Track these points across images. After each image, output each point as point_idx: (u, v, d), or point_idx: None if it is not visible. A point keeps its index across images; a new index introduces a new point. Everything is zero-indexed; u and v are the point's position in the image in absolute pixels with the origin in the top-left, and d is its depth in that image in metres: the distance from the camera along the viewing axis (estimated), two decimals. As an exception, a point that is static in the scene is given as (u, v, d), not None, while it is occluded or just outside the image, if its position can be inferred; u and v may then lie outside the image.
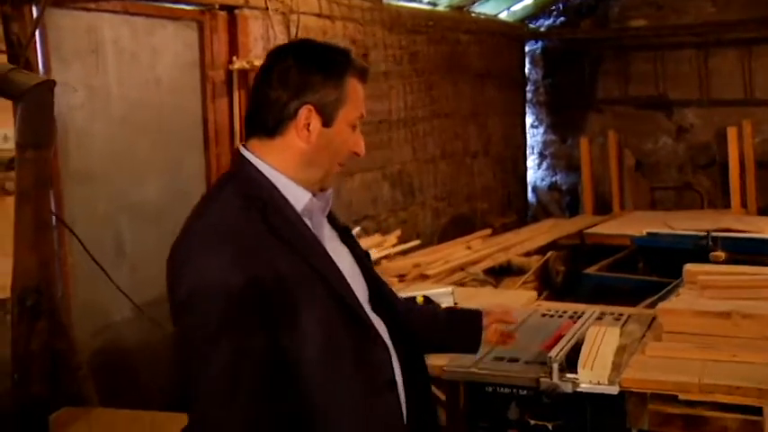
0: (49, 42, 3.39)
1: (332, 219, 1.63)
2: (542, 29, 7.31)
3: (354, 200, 5.23)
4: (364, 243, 4.19)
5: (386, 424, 1.51)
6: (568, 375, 2.03)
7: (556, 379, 2.00)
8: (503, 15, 7.04)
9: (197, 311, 1.37)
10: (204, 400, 1.37)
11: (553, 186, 7.43)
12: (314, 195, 1.52)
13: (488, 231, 5.15)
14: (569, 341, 2.20)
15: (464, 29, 6.30)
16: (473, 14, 6.53)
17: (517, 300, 2.91)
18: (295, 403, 1.40)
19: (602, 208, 6.80)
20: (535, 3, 7.09)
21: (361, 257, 1.65)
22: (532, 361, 2.16)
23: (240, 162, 1.52)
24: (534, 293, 3.02)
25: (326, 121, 1.49)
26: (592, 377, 1.99)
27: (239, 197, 1.45)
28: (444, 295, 2.74)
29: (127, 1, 3.67)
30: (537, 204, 7.49)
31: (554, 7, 7.22)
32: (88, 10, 3.55)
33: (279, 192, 1.48)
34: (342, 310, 1.47)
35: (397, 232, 4.49)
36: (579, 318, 2.54)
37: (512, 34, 7.09)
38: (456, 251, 4.48)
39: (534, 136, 7.46)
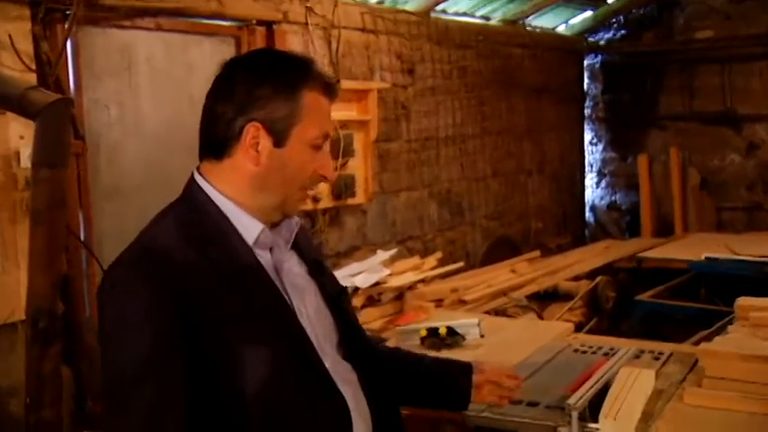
0: (82, 60, 3.38)
1: (301, 250, 1.45)
2: (602, 42, 7.03)
3: (399, 219, 5.09)
4: (402, 265, 4.03)
5: None
6: (590, 425, 1.81)
7: (575, 430, 1.79)
8: (560, 29, 6.81)
9: (117, 349, 1.21)
10: None
11: (612, 206, 7.11)
12: (272, 226, 1.36)
13: (536, 254, 4.91)
14: (596, 384, 2.00)
15: (518, 43, 6.10)
16: (528, 28, 6.33)
17: (551, 332, 2.70)
18: None
19: (665, 229, 6.46)
20: (595, 16, 6.84)
21: (332, 296, 1.46)
22: (554, 406, 1.95)
23: (189, 187, 1.37)
24: (570, 325, 2.79)
25: (278, 141, 1.31)
26: (614, 429, 1.77)
27: (179, 226, 1.30)
28: (470, 326, 2.56)
29: (161, 18, 3.64)
30: (595, 224, 7.19)
31: (614, 20, 6.94)
32: (122, 27, 3.53)
33: (228, 221, 1.32)
34: (292, 355, 1.29)
35: (438, 254, 4.31)
36: (615, 355, 2.32)
37: (569, 48, 6.84)
38: (499, 275, 4.28)
39: (593, 153, 7.17)
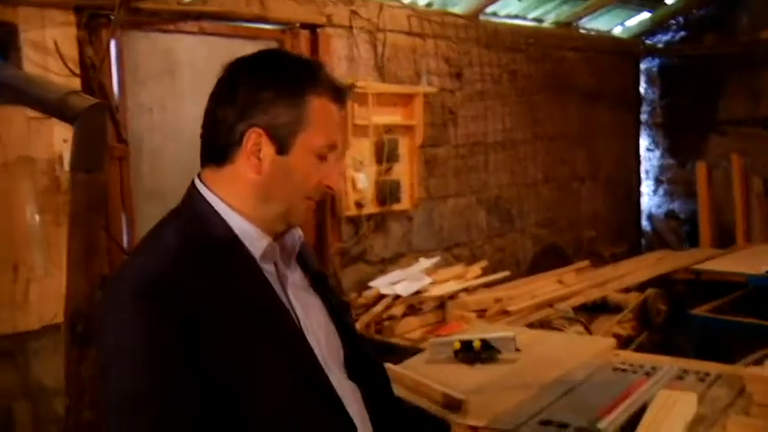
0: (126, 65, 3.41)
1: (304, 262, 1.39)
2: (660, 45, 6.80)
3: (446, 226, 5.01)
4: (445, 274, 3.95)
5: None
6: (622, 452, 1.71)
7: (605, 456, 1.69)
8: (616, 31, 6.62)
9: (117, 375, 1.14)
10: None
11: (670, 214, 6.87)
12: (277, 237, 1.30)
13: (586, 263, 4.76)
14: (631, 407, 1.89)
15: (571, 46, 5.95)
16: (582, 31, 6.17)
17: (592, 348, 2.58)
18: None
19: (726, 239, 6.19)
20: (652, 17, 6.62)
21: (337, 310, 1.40)
22: (584, 429, 1.85)
23: (191, 195, 1.28)
24: (613, 341, 2.67)
25: (281, 148, 1.24)
26: (649, 457, 1.66)
27: (181, 238, 1.22)
28: (506, 340, 2.47)
29: (204, 22, 3.65)
30: (652, 233, 6.95)
31: (674, 21, 6.70)
32: (165, 31, 3.55)
33: (234, 234, 1.25)
34: (298, 376, 1.22)
35: (483, 263, 4.22)
36: (656, 374, 2.20)
37: (625, 51, 6.64)
38: (545, 285, 4.15)
39: (650, 160, 6.94)
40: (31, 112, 2.92)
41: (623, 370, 2.30)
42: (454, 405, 2.07)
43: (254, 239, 1.26)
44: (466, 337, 2.51)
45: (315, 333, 1.30)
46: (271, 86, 1.23)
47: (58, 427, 2.93)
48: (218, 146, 1.26)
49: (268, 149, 1.24)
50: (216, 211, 1.26)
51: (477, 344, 2.44)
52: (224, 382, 1.15)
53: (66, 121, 2.69)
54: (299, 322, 1.28)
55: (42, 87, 2.71)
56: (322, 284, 1.40)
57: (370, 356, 1.43)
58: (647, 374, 2.23)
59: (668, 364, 2.35)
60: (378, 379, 1.42)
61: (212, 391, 1.14)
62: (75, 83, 3.12)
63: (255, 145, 1.23)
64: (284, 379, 1.20)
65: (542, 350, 2.57)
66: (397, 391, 2.27)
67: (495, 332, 2.58)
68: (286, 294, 1.29)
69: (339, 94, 1.28)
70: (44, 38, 3.04)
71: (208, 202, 1.26)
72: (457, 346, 2.46)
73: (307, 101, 1.24)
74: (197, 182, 1.29)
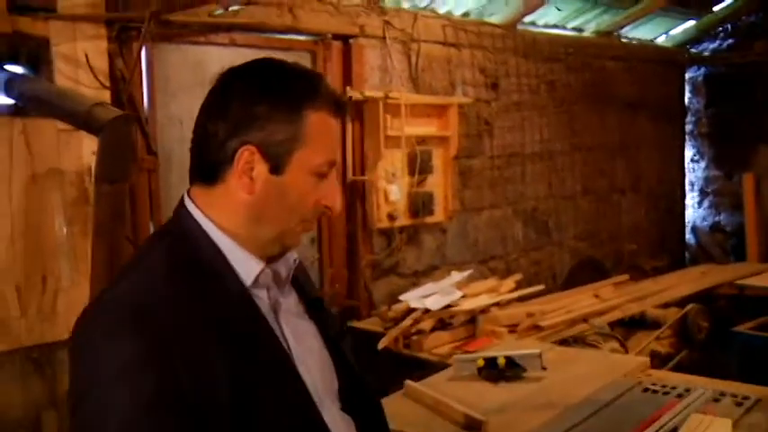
0: (156, 77, 3.43)
1: (299, 287, 1.31)
2: (706, 53, 6.62)
3: (481, 238, 4.93)
4: (477, 287, 3.87)
5: None
6: (648, 479, 1.62)
7: (629, 483, 1.61)
8: (660, 40, 6.47)
9: (91, 421, 1.02)
10: None
11: (716, 227, 6.66)
12: (271, 260, 1.21)
13: (624, 277, 4.62)
14: (660, 431, 1.80)
15: (611, 55, 5.83)
16: (623, 40, 6.04)
17: (623, 367, 2.48)
18: None
19: (774, 254, 5.99)
20: (698, 25, 6.45)
21: (332, 337, 1.32)
22: (608, 454, 1.77)
23: (180, 214, 1.20)
24: (646, 360, 2.56)
25: (275, 167, 1.15)
26: (675, 486, 1.56)
27: (168, 262, 1.13)
28: (531, 358, 2.38)
29: (235, 33, 3.65)
30: (696, 247, 6.75)
31: (721, 29, 6.52)
32: (196, 44, 3.57)
33: (225, 259, 1.16)
34: (291, 411, 1.14)
35: (517, 276, 4.12)
36: (689, 397, 2.09)
37: (669, 60, 6.48)
38: (581, 299, 4.04)
39: (694, 171, 6.75)
40: (61, 125, 2.95)
41: (654, 391, 2.20)
42: (474, 426, 2.00)
43: (246, 264, 1.18)
44: (490, 354, 2.43)
45: (306, 362, 1.21)
46: (266, 100, 1.14)
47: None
48: (208, 163, 1.17)
49: (261, 168, 1.15)
50: (206, 233, 1.18)
51: (501, 361, 2.37)
52: (207, 417, 1.06)
53: (92, 132, 2.71)
54: (291, 352, 1.20)
55: (70, 99, 2.73)
56: (318, 310, 1.33)
57: (365, 386, 1.35)
58: (680, 396, 2.13)
59: (703, 385, 2.24)
60: (373, 411, 1.34)
61: (194, 426, 1.05)
62: (106, 95, 3.14)
63: (248, 163, 1.14)
64: (274, 415, 1.12)
65: (570, 368, 2.48)
66: (418, 409, 2.21)
67: (521, 349, 2.50)
68: (278, 322, 1.21)
69: (338, 107, 1.20)
70: (75, 51, 3.07)
71: (197, 222, 1.18)
72: (481, 363, 2.39)
73: (304, 116, 1.15)
74: (186, 200, 1.21)
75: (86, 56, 3.09)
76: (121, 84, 3.24)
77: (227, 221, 1.18)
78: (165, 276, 1.12)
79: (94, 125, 2.64)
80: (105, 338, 1.05)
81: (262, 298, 1.20)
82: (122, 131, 2.63)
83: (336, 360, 1.30)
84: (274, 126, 1.14)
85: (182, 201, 1.22)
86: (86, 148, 3.07)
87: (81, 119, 2.69)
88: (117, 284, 1.15)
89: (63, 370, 3.01)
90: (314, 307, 1.32)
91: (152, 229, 3.42)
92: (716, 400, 2.11)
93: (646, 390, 2.22)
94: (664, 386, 2.23)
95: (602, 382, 2.30)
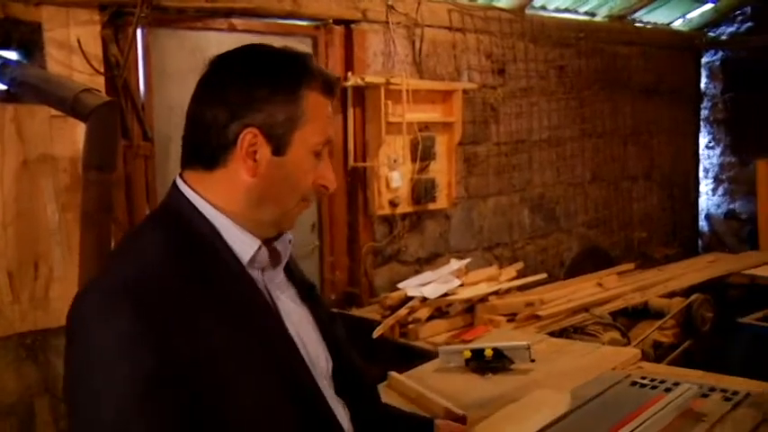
0: (152, 63, 3.40)
1: (291, 271, 1.31)
2: (724, 37, 6.48)
3: (486, 225, 4.87)
4: (477, 276, 3.82)
5: None
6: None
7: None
8: (676, 24, 6.33)
9: (88, 400, 1.03)
10: None
11: (731, 215, 6.54)
12: (266, 242, 1.22)
13: (630, 266, 4.54)
14: (642, 425, 1.75)
15: (624, 40, 5.71)
16: (637, 24, 5.92)
17: (614, 359, 2.43)
18: None
19: (791, 242, 5.86)
20: (716, 8, 6.30)
21: (325, 321, 1.33)
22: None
23: (174, 196, 1.21)
24: (637, 352, 2.51)
25: (277, 148, 1.17)
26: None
27: (167, 240, 1.14)
28: (519, 349, 2.34)
29: (234, 18, 3.62)
30: (710, 234, 6.64)
31: (739, 12, 6.37)
32: (194, 29, 3.54)
33: (221, 237, 1.17)
34: (292, 392, 1.15)
35: (518, 265, 4.06)
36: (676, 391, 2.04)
37: (685, 45, 6.34)
38: (583, 288, 3.98)
39: (709, 158, 6.62)
40: (53, 111, 2.94)
41: (643, 385, 2.14)
42: (456, 420, 1.97)
43: (243, 243, 1.18)
44: (477, 345, 2.39)
45: (304, 346, 1.22)
46: (264, 83, 1.16)
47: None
48: (207, 149, 1.18)
49: (264, 150, 1.16)
50: (201, 214, 1.18)
51: (488, 353, 2.33)
52: (209, 398, 1.06)
53: (79, 119, 2.70)
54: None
55: (58, 85, 2.72)
56: (309, 294, 1.33)
57: (358, 370, 1.36)
58: (668, 390, 2.07)
59: (695, 379, 2.18)
60: (366, 394, 1.35)
61: (197, 407, 1.06)
62: (100, 81, 3.13)
63: (251, 146, 1.16)
64: (277, 396, 1.13)
65: (560, 361, 2.44)
66: (401, 400, 2.18)
67: (510, 341, 2.46)
68: (274, 303, 1.22)
69: (330, 86, 1.22)
70: (68, 36, 3.06)
71: (192, 204, 1.18)
72: (467, 354, 2.35)
73: (302, 96, 1.17)
74: (180, 184, 1.21)
75: (79, 41, 3.07)
76: (116, 69, 3.22)
77: (225, 204, 1.19)
78: (161, 255, 1.13)
79: (82, 111, 2.62)
80: (101, 320, 1.05)
81: (257, 279, 1.21)
82: (111, 118, 2.61)
83: (329, 345, 1.30)
84: (275, 107, 1.16)
85: (174, 185, 1.22)
86: (80, 134, 3.05)
87: (69, 105, 2.67)
88: (110, 266, 1.16)
89: (56, 356, 3.02)
90: (305, 292, 1.33)
91: (148, 216, 3.41)
92: (705, 395, 2.05)
93: (634, 383, 2.16)
94: (653, 380, 2.17)
95: (591, 375, 2.25)
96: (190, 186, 1.20)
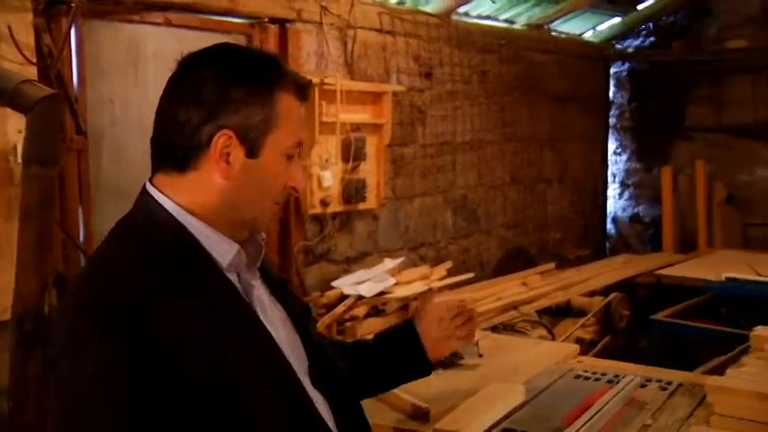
0: (86, 55, 3.31)
1: (264, 269, 1.32)
2: (630, 50, 6.85)
3: (412, 225, 4.97)
4: (410, 275, 3.91)
5: None
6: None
7: (568, 467, 1.66)
8: (587, 35, 6.65)
9: (75, 413, 1.03)
10: None
11: (635, 218, 6.93)
12: (242, 244, 1.21)
13: (551, 266, 4.76)
14: (592, 418, 1.87)
15: (542, 48, 5.95)
16: (553, 33, 6.17)
17: (555, 354, 2.56)
18: None
19: (688, 244, 6.27)
20: (623, 22, 6.66)
21: (299, 317, 1.34)
22: (547, 439, 1.83)
23: (144, 203, 1.18)
24: (576, 347, 2.65)
25: (251, 151, 1.16)
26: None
27: (137, 249, 1.13)
28: (468, 346, 2.43)
29: (171, 13, 3.56)
30: (617, 237, 7.00)
31: (644, 27, 6.75)
32: (130, 22, 3.46)
33: (195, 242, 1.16)
34: (275, 390, 1.16)
35: (447, 264, 4.19)
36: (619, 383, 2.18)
37: (596, 55, 6.68)
38: (510, 287, 4.14)
39: (616, 164, 6.99)
40: (-16, 102, 2.81)
41: (586, 378, 2.27)
42: (419, 415, 2.03)
43: (220, 246, 1.18)
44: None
45: (283, 343, 1.23)
46: (242, 83, 1.15)
47: (6, 428, 2.83)
48: (178, 150, 1.16)
49: (238, 153, 1.15)
50: (175, 218, 1.16)
51: (438, 349, 2.39)
52: (197, 406, 1.06)
53: (19, 111, 2.59)
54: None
55: (-5, 75, 2.61)
56: (283, 291, 1.34)
57: (334, 363, 1.38)
58: (610, 382, 2.21)
59: (631, 371, 2.33)
60: (342, 387, 1.36)
61: (184, 417, 1.06)
62: (32, 71, 3.01)
63: (225, 148, 1.14)
64: (264, 396, 1.14)
65: (506, 356, 2.54)
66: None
67: (458, 337, 2.54)
68: (252, 304, 1.22)
69: (303, 88, 1.22)
70: (-1, 23, 2.93)
71: (164, 208, 1.17)
72: (418, 351, 2.41)
73: (276, 98, 1.17)
74: (150, 188, 1.19)
75: (9, 28, 2.94)
76: (49, 60, 3.11)
77: (198, 207, 1.17)
78: (136, 267, 1.11)
79: (23, 103, 2.52)
80: (76, 345, 1.05)
81: (233, 281, 1.21)
82: (53, 111, 2.53)
83: (304, 340, 1.32)
84: (250, 109, 1.15)
85: (144, 189, 1.20)
86: (12, 126, 2.94)
87: (6, 96, 2.56)
88: (81, 286, 1.14)
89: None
90: (278, 288, 1.33)
91: (81, 213, 3.31)
92: (643, 386, 2.20)
93: (578, 376, 2.29)
94: (594, 372, 2.31)
95: (537, 370, 2.36)
96: (160, 190, 1.18)
